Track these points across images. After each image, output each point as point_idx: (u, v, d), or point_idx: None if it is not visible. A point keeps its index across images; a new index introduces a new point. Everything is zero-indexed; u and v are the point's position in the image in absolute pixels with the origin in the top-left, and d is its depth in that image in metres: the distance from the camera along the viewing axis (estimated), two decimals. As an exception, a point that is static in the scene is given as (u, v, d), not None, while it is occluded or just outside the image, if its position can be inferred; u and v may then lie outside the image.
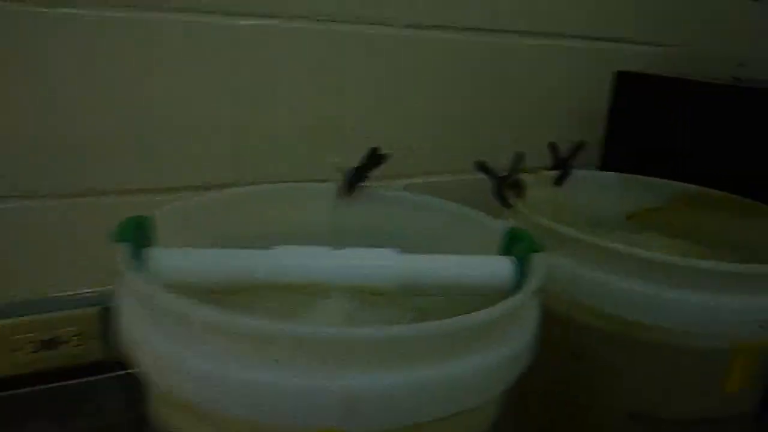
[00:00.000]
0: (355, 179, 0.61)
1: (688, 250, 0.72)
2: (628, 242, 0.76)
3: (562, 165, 0.74)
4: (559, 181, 0.74)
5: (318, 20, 0.74)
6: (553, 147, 0.75)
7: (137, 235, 0.43)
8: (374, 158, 0.61)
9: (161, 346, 0.35)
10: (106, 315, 0.68)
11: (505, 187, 0.64)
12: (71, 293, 0.69)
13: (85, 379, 0.70)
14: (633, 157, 0.85)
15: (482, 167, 0.66)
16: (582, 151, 0.76)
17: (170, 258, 0.44)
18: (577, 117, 0.94)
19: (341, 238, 0.57)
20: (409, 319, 0.52)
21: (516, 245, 0.49)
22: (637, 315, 0.51)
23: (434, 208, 0.58)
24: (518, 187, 0.65)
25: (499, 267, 0.48)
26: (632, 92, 0.84)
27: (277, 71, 0.74)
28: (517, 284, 0.46)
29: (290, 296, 0.48)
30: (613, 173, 0.77)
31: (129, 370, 0.40)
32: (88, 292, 0.70)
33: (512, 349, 0.39)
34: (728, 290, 0.50)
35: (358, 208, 0.60)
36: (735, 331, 0.51)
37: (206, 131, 0.72)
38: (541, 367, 0.62)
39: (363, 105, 0.80)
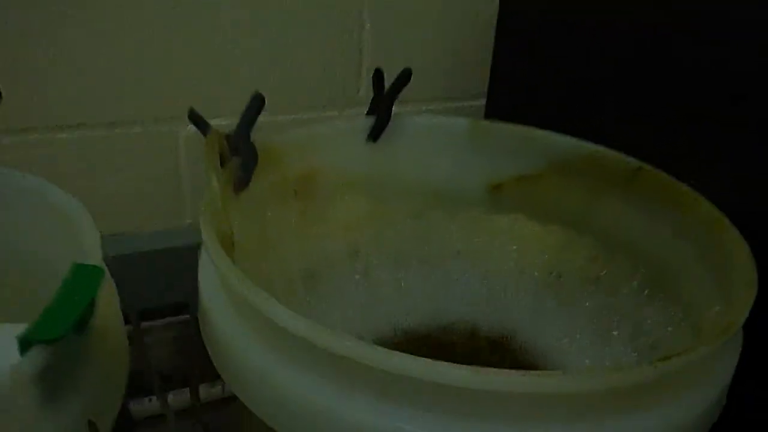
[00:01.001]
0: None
1: (567, 247, 0.45)
2: (485, 229, 0.50)
3: (377, 107, 0.47)
4: (374, 134, 0.47)
5: None
6: (377, 76, 0.47)
7: None
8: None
9: None
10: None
11: (208, 148, 0.37)
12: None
13: None
14: (525, 87, 0.56)
15: (193, 117, 0.39)
16: (420, 81, 0.48)
17: None
18: (463, 26, 0.64)
19: None
20: None
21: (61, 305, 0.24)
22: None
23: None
24: (246, 153, 0.38)
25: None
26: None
27: None
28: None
29: None
30: (464, 119, 0.48)
31: None
32: None
33: None
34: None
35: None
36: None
37: None
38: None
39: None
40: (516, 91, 0.58)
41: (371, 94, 0.64)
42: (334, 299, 0.41)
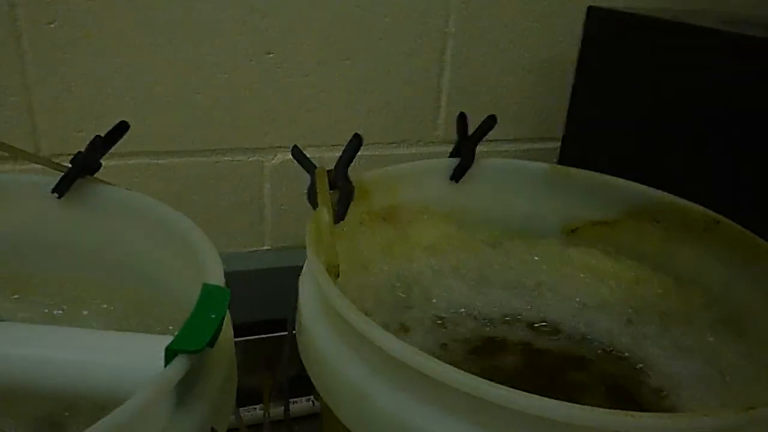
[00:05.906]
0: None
1: (641, 281, 0.46)
2: (559, 258, 0.51)
3: (461, 149, 0.49)
4: (456, 175, 0.50)
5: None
6: (461, 120, 0.50)
7: None
8: None
9: None
10: None
11: (320, 185, 0.40)
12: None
13: None
14: (602, 131, 0.58)
15: (297, 155, 0.42)
16: (498, 126, 0.50)
17: None
18: (542, 70, 0.66)
19: None
20: None
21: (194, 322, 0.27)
22: None
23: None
24: (345, 188, 0.41)
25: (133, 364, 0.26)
26: (607, 37, 0.56)
27: None
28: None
29: None
30: (543, 164, 0.50)
31: None
32: None
33: None
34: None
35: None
36: None
37: None
38: None
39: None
40: (591, 135, 0.60)
41: (448, 134, 0.68)
42: (419, 311, 0.44)
